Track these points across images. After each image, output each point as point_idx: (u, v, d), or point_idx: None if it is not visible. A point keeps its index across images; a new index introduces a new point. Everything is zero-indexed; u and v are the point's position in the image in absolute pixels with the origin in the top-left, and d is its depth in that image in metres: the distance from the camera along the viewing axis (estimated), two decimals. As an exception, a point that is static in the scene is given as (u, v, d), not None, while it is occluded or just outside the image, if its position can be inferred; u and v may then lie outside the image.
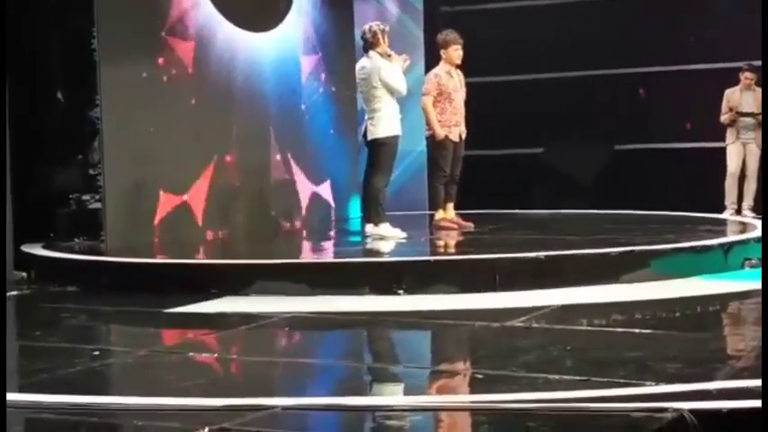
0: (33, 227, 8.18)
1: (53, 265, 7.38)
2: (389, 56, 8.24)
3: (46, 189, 8.51)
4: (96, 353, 4.77)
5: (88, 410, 3.64)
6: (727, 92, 10.54)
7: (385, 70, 8.14)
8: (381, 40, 8.23)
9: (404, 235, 8.20)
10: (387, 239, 8.08)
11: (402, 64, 8.31)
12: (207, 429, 3.29)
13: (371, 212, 8.30)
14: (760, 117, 10.37)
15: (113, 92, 8.07)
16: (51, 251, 7.70)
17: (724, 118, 10.54)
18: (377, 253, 7.71)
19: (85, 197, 8.41)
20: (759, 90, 10.42)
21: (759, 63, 10.21)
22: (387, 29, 8.41)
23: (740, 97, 10.49)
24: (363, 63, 8.35)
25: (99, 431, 3.51)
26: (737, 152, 10.53)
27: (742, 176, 10.55)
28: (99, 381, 4.39)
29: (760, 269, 7.05)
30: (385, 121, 8.16)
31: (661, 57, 11.44)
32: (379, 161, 8.24)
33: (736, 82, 10.53)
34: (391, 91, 8.15)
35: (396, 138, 8.24)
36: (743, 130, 10.49)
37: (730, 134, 10.55)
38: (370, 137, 8.25)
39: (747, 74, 10.45)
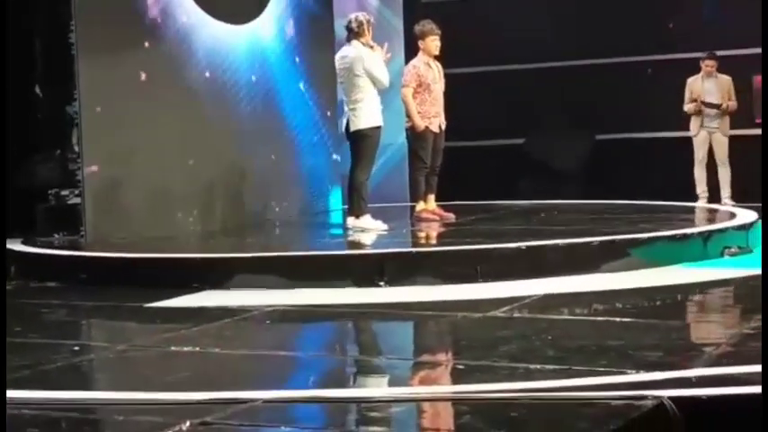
0: (12, 222, 8.14)
1: (33, 260, 7.34)
2: (372, 47, 8.21)
3: (25, 184, 8.46)
4: (77, 348, 4.75)
5: (69, 406, 3.63)
6: (690, 80, 10.61)
7: (369, 60, 8.09)
8: (366, 31, 8.19)
9: (385, 227, 8.20)
10: (368, 231, 8.07)
11: (383, 56, 8.30)
12: (188, 423, 3.28)
13: (354, 205, 8.29)
14: (723, 106, 10.44)
15: (92, 86, 8.03)
16: (31, 247, 7.66)
17: (688, 107, 10.60)
18: (358, 245, 7.71)
19: (64, 192, 8.38)
20: (722, 77, 10.50)
21: (720, 52, 10.32)
22: (372, 20, 8.38)
23: (702, 85, 10.55)
24: (345, 52, 8.29)
25: (80, 426, 3.49)
26: (703, 141, 10.61)
27: (710, 164, 10.61)
28: (79, 376, 4.38)
29: (739, 258, 7.10)
30: (367, 112, 8.12)
31: (643, 46, 11.47)
32: (362, 153, 8.20)
33: (697, 70, 10.59)
34: (374, 81, 8.10)
35: (378, 129, 8.19)
36: (707, 119, 10.56)
37: (694, 124, 10.63)
38: (352, 128, 8.19)
39: (708, 62, 10.53)
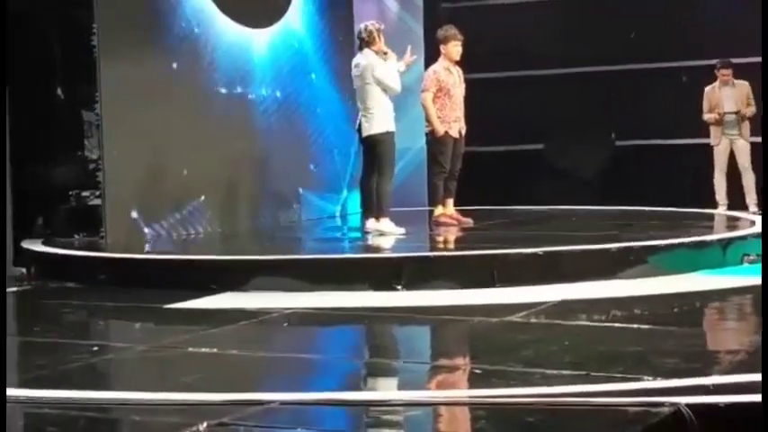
0: (33, 223, 8.20)
1: (53, 261, 7.39)
2: (386, 54, 8.25)
3: (46, 185, 8.52)
4: (96, 348, 4.78)
5: (87, 405, 3.65)
6: (707, 90, 10.57)
7: (379, 68, 8.16)
8: (377, 39, 8.25)
9: (403, 231, 8.21)
10: (387, 235, 8.09)
11: (408, 59, 8.42)
12: (206, 424, 3.30)
13: (375, 207, 8.31)
14: (742, 113, 10.40)
15: (113, 88, 8.08)
16: (51, 247, 7.71)
17: (707, 117, 10.56)
18: (376, 249, 7.72)
19: (85, 193, 8.42)
20: (739, 83, 10.45)
21: (735, 59, 10.27)
22: (382, 27, 8.41)
23: (719, 94, 10.51)
24: (357, 60, 8.37)
25: (98, 426, 3.51)
26: (725, 150, 10.57)
27: (731, 172, 10.56)
28: (98, 376, 4.40)
29: (759, 265, 7.06)
30: (378, 118, 8.18)
31: (666, 52, 11.44)
32: (380, 159, 8.24)
33: (714, 79, 10.55)
34: (385, 89, 8.16)
35: (390, 134, 8.23)
36: (726, 127, 10.51)
37: (715, 133, 10.58)
38: (364, 134, 8.27)
39: (723, 70, 10.48)
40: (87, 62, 8.02)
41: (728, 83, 10.47)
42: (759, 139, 10.27)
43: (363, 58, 8.27)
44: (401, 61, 8.43)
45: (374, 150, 8.25)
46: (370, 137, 8.22)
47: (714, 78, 10.55)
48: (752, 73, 10.32)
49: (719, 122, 10.51)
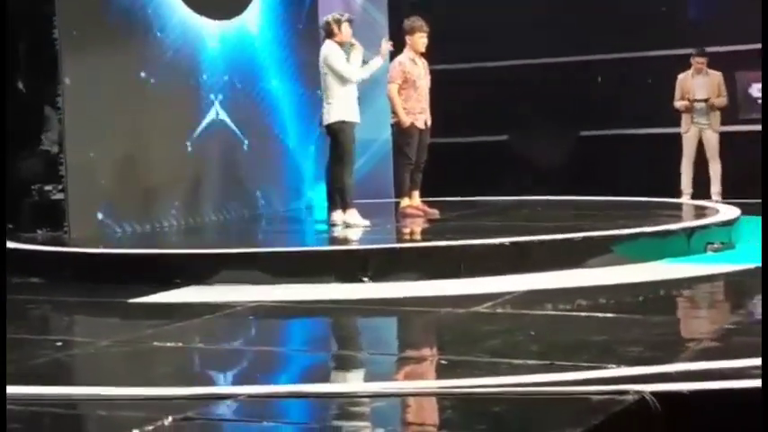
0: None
1: (16, 256, 7.30)
2: (352, 45, 8.25)
3: (8, 180, 8.42)
4: (60, 344, 4.74)
5: (52, 401, 3.63)
6: (680, 77, 10.64)
7: (332, 57, 8.16)
8: (337, 30, 8.25)
9: (368, 223, 8.21)
10: (353, 227, 8.09)
11: (384, 49, 8.43)
12: (171, 418, 3.28)
13: (339, 200, 8.31)
14: (711, 102, 10.48)
15: (75, 81, 8.01)
16: (14, 242, 7.63)
17: (678, 104, 10.64)
18: (342, 241, 7.72)
19: (48, 188, 8.35)
20: (712, 73, 10.53)
21: (710, 48, 10.36)
22: (344, 18, 8.37)
23: (693, 82, 10.59)
24: (320, 51, 8.39)
25: (63, 422, 3.49)
26: (693, 138, 10.65)
27: (697, 161, 10.65)
28: (63, 372, 4.37)
29: (722, 253, 7.13)
30: (336, 108, 8.17)
31: (624, 43, 11.50)
32: (339, 149, 8.24)
33: (688, 67, 10.62)
34: (340, 77, 8.15)
35: (348, 124, 8.19)
36: (696, 115, 10.59)
37: (685, 121, 10.66)
38: (324, 122, 8.30)
39: (698, 58, 10.56)
40: (49, 56, 7.94)
41: (702, 71, 10.54)
42: (728, 129, 10.38)
43: (323, 48, 8.30)
44: (378, 56, 8.40)
45: (334, 140, 8.26)
46: (328, 126, 8.25)
47: (688, 66, 10.62)
48: (725, 63, 10.43)
49: (689, 110, 10.58)
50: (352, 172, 8.30)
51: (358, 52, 8.27)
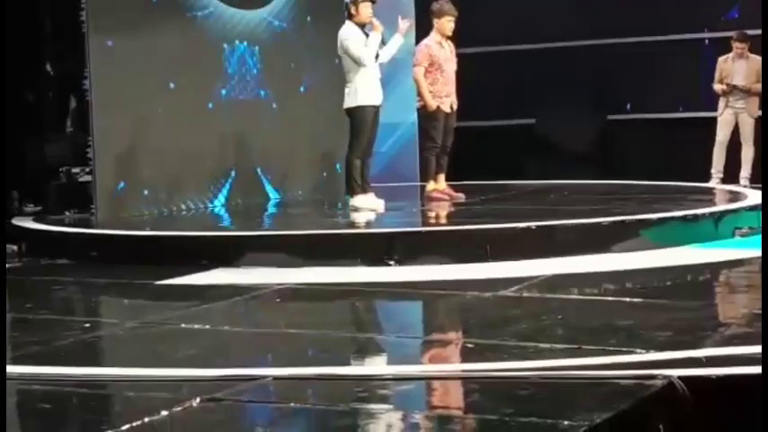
0: (23, 199, 8.18)
1: (44, 238, 7.37)
2: (373, 25, 8.12)
3: (36, 162, 8.48)
4: (87, 325, 4.77)
5: (80, 382, 3.65)
6: (720, 60, 10.53)
7: (348, 39, 8.07)
8: (355, 11, 8.13)
9: (378, 206, 8.14)
10: (361, 211, 8.05)
11: (402, 28, 8.25)
12: (198, 399, 3.29)
13: (348, 184, 8.29)
14: (750, 86, 10.37)
15: (102, 63, 8.03)
16: (42, 224, 7.68)
17: (716, 87, 10.54)
18: (369, 224, 7.71)
19: (75, 170, 8.39)
20: (752, 57, 10.41)
21: (751, 32, 10.22)
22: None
23: (732, 66, 10.48)
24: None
25: (90, 402, 3.51)
26: (728, 121, 10.53)
27: (731, 145, 10.54)
28: (90, 352, 4.40)
29: (750, 238, 7.07)
30: (354, 91, 8.10)
31: (655, 26, 11.41)
32: (353, 132, 8.21)
33: (730, 49, 10.51)
34: (355, 61, 8.08)
35: (365, 108, 8.09)
36: (733, 99, 10.49)
37: (721, 104, 10.55)
38: (344, 106, 8.23)
39: (738, 43, 10.43)
40: (76, 37, 7.96)
41: (743, 56, 10.43)
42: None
43: (341, 31, 8.20)
44: (397, 33, 8.31)
45: (351, 122, 8.22)
46: (346, 109, 8.20)
47: (730, 49, 10.51)
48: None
49: (727, 94, 10.48)
50: (361, 155, 8.18)
51: (377, 33, 8.15)
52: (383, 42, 8.25)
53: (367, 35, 8.11)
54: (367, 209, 8.08)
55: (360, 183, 8.18)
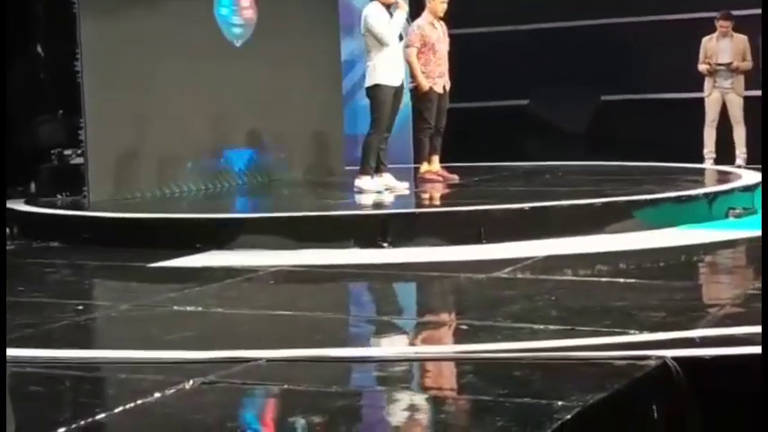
0: (15, 182, 8.15)
1: (36, 220, 7.34)
2: (397, 4, 8.03)
3: (27, 144, 8.45)
4: (80, 307, 4.76)
5: (73, 364, 3.64)
6: (704, 40, 10.52)
7: (371, 18, 8.02)
8: None
9: (381, 189, 8.13)
10: (366, 193, 8.04)
11: (401, 5, 8.15)
12: (192, 382, 3.29)
13: (361, 164, 8.27)
14: (735, 65, 10.36)
15: (94, 44, 7.98)
16: (34, 207, 7.66)
17: (701, 67, 10.53)
18: (362, 206, 7.70)
19: (67, 152, 8.36)
20: (737, 36, 10.40)
21: (737, 11, 10.22)
22: None
23: (716, 45, 10.47)
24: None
25: (83, 385, 3.50)
26: (715, 102, 10.53)
27: (720, 125, 10.54)
28: (83, 335, 4.39)
29: (744, 219, 7.08)
30: (371, 71, 8.07)
31: (649, 6, 11.38)
32: (372, 112, 8.18)
33: (713, 30, 10.51)
34: (378, 39, 8.03)
35: (382, 88, 8.04)
36: (719, 79, 10.47)
37: (707, 84, 10.55)
38: (365, 85, 8.19)
39: (722, 22, 10.43)
40: (67, 17, 7.91)
41: (727, 35, 10.42)
42: (753, 93, 10.24)
43: (365, 9, 8.14)
44: (398, 9, 8.08)
45: (370, 103, 8.19)
46: (365, 89, 8.18)
47: (713, 29, 10.50)
48: (750, 25, 10.27)
49: (712, 73, 10.47)
50: (378, 137, 8.18)
51: (402, 12, 8.04)
52: (408, 22, 8.20)
53: (391, 14, 8.03)
54: (372, 191, 8.06)
55: (372, 165, 8.15)
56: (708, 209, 7.13)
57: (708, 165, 10.35)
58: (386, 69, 8.05)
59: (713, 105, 10.53)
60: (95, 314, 4.77)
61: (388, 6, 8.05)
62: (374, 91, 8.08)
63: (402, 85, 8.23)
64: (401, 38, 8.17)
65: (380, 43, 8.00)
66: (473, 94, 11.17)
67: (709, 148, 10.55)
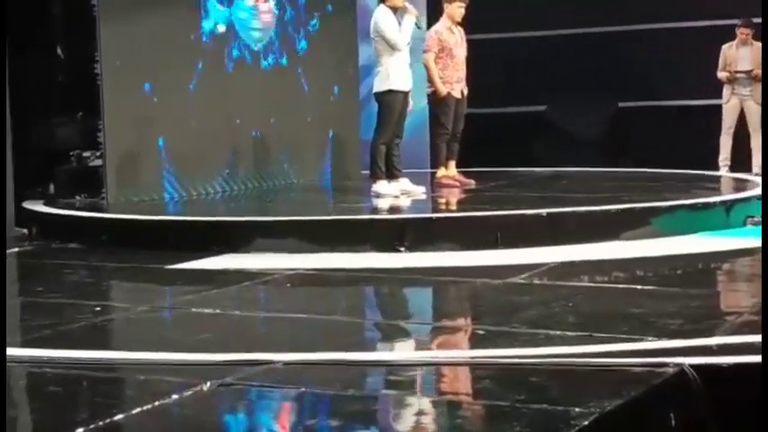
0: (34, 184, 8.18)
1: (55, 221, 7.37)
2: (405, 9, 8.04)
3: (47, 146, 8.48)
4: (98, 308, 4.77)
5: (90, 365, 3.65)
6: (724, 47, 10.50)
7: (381, 22, 8.03)
8: None
9: (398, 193, 8.14)
10: (383, 197, 8.05)
11: (410, 12, 8.13)
12: (209, 384, 3.30)
13: (371, 170, 8.28)
14: (755, 73, 10.33)
15: (113, 47, 8.02)
16: (53, 208, 7.69)
17: (720, 75, 10.50)
18: (379, 210, 7.70)
19: (86, 154, 8.39)
20: (756, 44, 10.37)
21: (756, 19, 10.18)
22: None
23: (736, 53, 10.44)
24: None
25: (101, 386, 3.51)
26: (733, 109, 10.50)
27: (737, 133, 10.50)
28: (101, 336, 4.40)
29: (761, 227, 7.04)
30: (383, 76, 8.07)
31: (667, 13, 11.36)
32: (380, 116, 8.19)
33: (734, 37, 10.48)
34: (390, 45, 8.03)
35: (392, 93, 8.04)
36: (738, 86, 10.44)
37: (726, 91, 10.52)
38: (374, 90, 8.20)
39: (743, 29, 10.40)
40: (87, 19, 7.94)
41: (747, 42, 10.39)
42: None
43: (375, 14, 8.14)
44: (406, 14, 8.08)
45: (378, 107, 8.19)
46: (374, 94, 8.19)
47: (733, 37, 10.47)
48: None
49: (731, 81, 10.44)
50: (387, 141, 8.16)
51: (411, 18, 8.03)
52: (418, 27, 8.20)
53: (399, 19, 8.02)
54: (389, 195, 8.07)
55: (383, 169, 8.15)
56: (725, 216, 7.10)
57: (723, 172, 10.31)
58: (398, 75, 8.06)
59: (731, 113, 10.50)
60: (113, 315, 4.79)
61: (395, 10, 8.05)
62: (386, 96, 8.08)
63: (410, 89, 8.24)
64: (409, 42, 8.17)
65: (392, 48, 8.01)
66: (490, 100, 11.16)
67: (724, 155, 10.52)
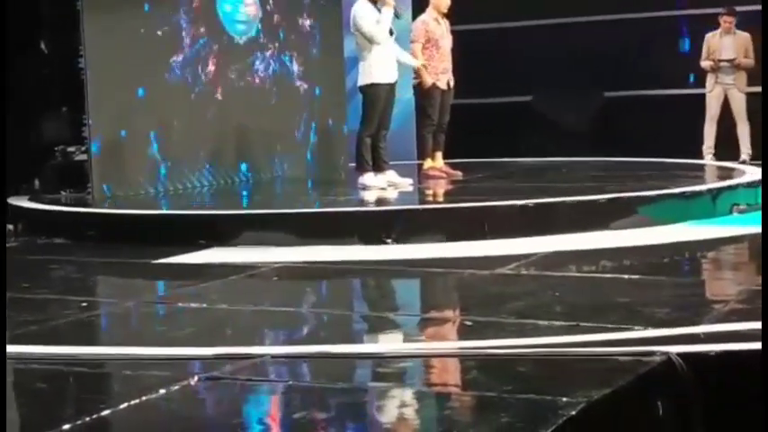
0: (19, 179, 8.15)
1: (40, 217, 7.35)
2: (385, 2, 8.02)
3: (31, 141, 8.45)
4: (84, 304, 4.75)
5: (77, 361, 3.64)
6: (708, 36, 10.52)
7: (359, 17, 8.02)
8: None
9: (399, 183, 8.15)
10: (370, 189, 8.04)
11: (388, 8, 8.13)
12: (196, 378, 3.29)
13: (357, 162, 8.28)
14: (738, 61, 10.35)
15: (98, 41, 7.98)
16: (38, 203, 7.66)
17: (704, 64, 10.53)
18: (365, 202, 7.70)
19: (71, 149, 8.36)
20: (740, 33, 10.40)
21: (740, 8, 10.21)
22: None
23: (720, 41, 10.46)
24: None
25: (88, 381, 3.50)
26: (718, 97, 10.53)
27: (721, 121, 10.53)
28: (88, 331, 4.39)
29: (748, 215, 7.07)
30: (366, 69, 8.07)
31: (652, 2, 11.38)
32: (365, 109, 8.19)
33: (717, 26, 10.49)
34: (368, 39, 8.02)
35: (379, 86, 8.08)
36: (721, 74, 10.46)
37: (710, 80, 10.54)
38: (358, 84, 8.20)
39: (726, 17, 10.43)
40: (71, 14, 7.90)
41: (730, 31, 10.41)
42: (756, 90, 10.22)
43: (354, 8, 8.15)
44: (384, 6, 8.05)
45: (362, 101, 8.20)
46: (359, 87, 8.17)
47: (717, 26, 10.49)
48: (753, 22, 10.24)
49: (715, 69, 10.46)
50: (371, 133, 8.16)
51: (389, 9, 8.01)
52: (397, 17, 8.16)
53: (379, 11, 8.01)
54: (376, 187, 8.07)
55: (369, 161, 8.15)
56: (712, 205, 7.12)
57: (707, 160, 10.34)
58: (381, 67, 8.06)
59: (714, 101, 10.53)
60: (100, 311, 4.77)
61: (374, 2, 8.02)
62: (369, 89, 8.08)
63: (396, 81, 8.22)
64: (391, 32, 8.15)
65: (371, 42, 7.99)
66: (476, 91, 11.17)
67: (708, 144, 10.55)
